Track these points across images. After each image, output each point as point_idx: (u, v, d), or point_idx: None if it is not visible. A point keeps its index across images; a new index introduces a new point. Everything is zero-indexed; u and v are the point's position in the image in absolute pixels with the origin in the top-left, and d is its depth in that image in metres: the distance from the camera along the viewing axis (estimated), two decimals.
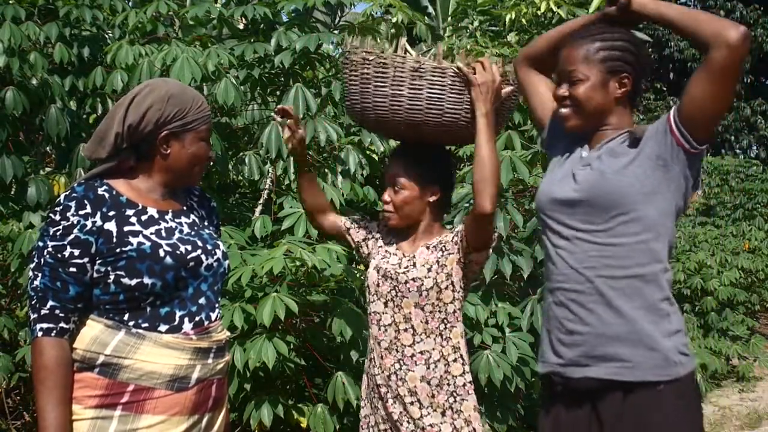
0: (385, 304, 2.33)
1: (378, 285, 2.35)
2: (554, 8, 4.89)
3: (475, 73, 2.20)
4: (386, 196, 2.37)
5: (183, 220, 1.97)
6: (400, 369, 2.29)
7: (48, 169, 4.08)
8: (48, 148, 4.19)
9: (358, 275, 3.22)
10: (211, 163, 1.99)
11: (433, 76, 2.20)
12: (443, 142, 2.42)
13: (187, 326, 1.89)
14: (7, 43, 3.60)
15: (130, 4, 4.48)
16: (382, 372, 2.33)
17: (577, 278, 1.98)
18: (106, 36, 4.32)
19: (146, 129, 1.88)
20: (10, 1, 3.90)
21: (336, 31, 4.89)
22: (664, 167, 1.93)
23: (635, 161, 1.96)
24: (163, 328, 1.86)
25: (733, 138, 17.21)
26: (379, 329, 2.34)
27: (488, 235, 2.27)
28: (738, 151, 17.25)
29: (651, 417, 1.91)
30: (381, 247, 2.44)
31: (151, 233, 1.87)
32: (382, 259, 2.39)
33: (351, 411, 3.32)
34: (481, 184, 2.16)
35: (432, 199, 2.35)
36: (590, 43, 2.02)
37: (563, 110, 2.06)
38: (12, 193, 3.80)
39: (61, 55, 3.82)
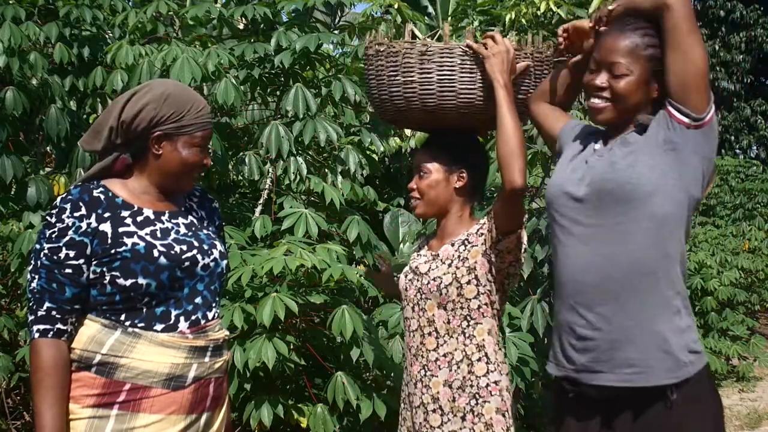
0: (412, 309, 2.27)
1: (406, 289, 2.31)
2: (554, 8, 4.88)
3: (486, 48, 2.14)
4: (412, 184, 2.31)
5: (180, 220, 1.97)
6: (425, 375, 2.22)
7: (48, 169, 4.08)
8: (48, 148, 4.18)
9: (358, 275, 3.22)
10: (206, 169, 1.98)
11: (441, 57, 2.15)
12: (466, 127, 2.32)
13: (183, 325, 1.89)
14: (7, 43, 3.59)
15: (130, 4, 4.48)
16: (411, 380, 2.27)
17: (586, 280, 1.92)
18: (106, 36, 4.31)
19: (140, 126, 1.88)
20: (10, 1, 3.90)
21: (336, 31, 4.89)
22: (674, 151, 1.86)
23: (644, 149, 1.89)
24: (159, 327, 1.86)
25: (733, 138, 17.22)
26: (409, 335, 2.29)
27: (519, 215, 2.16)
28: (738, 151, 17.26)
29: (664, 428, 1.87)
30: (415, 252, 2.41)
31: (146, 234, 1.87)
32: (411, 263, 2.36)
33: (351, 411, 3.32)
34: (509, 158, 2.06)
35: (458, 184, 2.27)
36: (639, 37, 1.90)
37: (596, 101, 1.94)
38: (12, 193, 3.80)
39: (61, 55, 3.82)
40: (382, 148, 4.05)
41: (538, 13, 4.91)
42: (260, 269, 3.03)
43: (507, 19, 4.98)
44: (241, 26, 4.56)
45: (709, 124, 1.87)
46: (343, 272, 3.12)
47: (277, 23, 4.29)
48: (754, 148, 17.52)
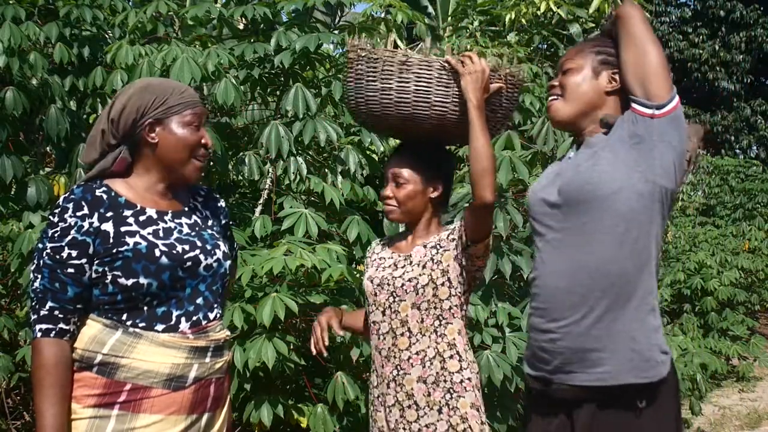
0: (383, 313, 2.32)
1: (375, 294, 2.34)
2: (554, 8, 4.89)
3: (464, 66, 2.21)
4: (388, 191, 2.36)
5: (183, 220, 1.97)
6: (398, 375, 2.28)
7: (48, 169, 4.08)
8: (48, 148, 4.18)
9: (357, 276, 3.22)
10: (210, 160, 1.99)
11: (420, 69, 2.22)
12: (438, 139, 2.39)
13: (184, 325, 1.89)
14: (7, 43, 3.59)
15: (130, 4, 4.47)
16: (383, 381, 2.31)
17: (557, 284, 1.95)
18: (106, 36, 4.31)
19: (129, 120, 1.89)
20: (10, 1, 3.90)
21: (336, 31, 4.89)
22: (640, 144, 1.89)
23: (606, 147, 1.93)
24: (159, 327, 1.87)
25: (733, 138, 17.22)
26: (379, 338, 2.33)
27: (488, 226, 2.25)
28: (738, 151, 17.26)
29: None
30: (375, 258, 2.43)
31: (148, 233, 1.88)
32: (376, 269, 2.38)
33: (351, 411, 3.32)
34: (481, 175, 2.13)
35: (434, 195, 2.34)
36: (585, 42, 2.10)
37: (551, 99, 2.07)
38: (12, 193, 3.79)
39: (61, 55, 3.82)
40: (382, 148, 4.05)
41: (538, 13, 4.92)
42: (260, 269, 3.03)
43: (507, 19, 4.99)
44: (241, 26, 4.56)
45: (673, 111, 1.91)
46: (343, 272, 3.12)
47: (277, 23, 4.29)
48: (754, 148, 17.52)
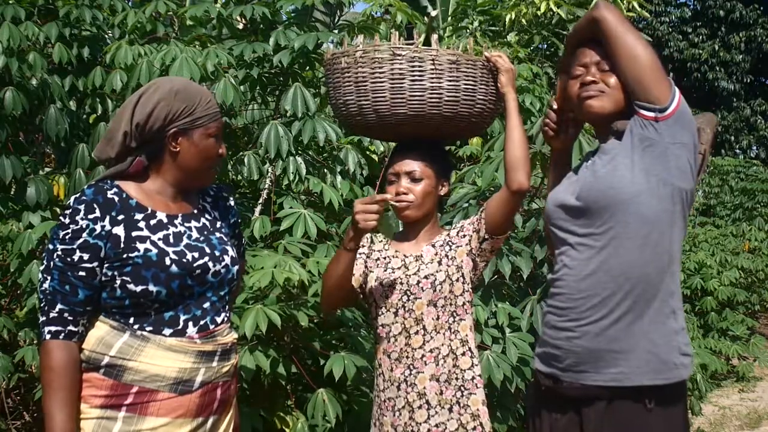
0: (395, 313, 2.29)
1: (386, 296, 2.31)
2: (554, 8, 4.89)
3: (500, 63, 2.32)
4: (404, 187, 2.31)
5: (193, 224, 1.95)
6: (410, 374, 2.26)
7: (48, 169, 4.07)
8: (48, 148, 4.18)
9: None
10: (222, 163, 1.96)
11: (467, 68, 2.28)
12: (444, 136, 2.43)
13: (192, 330, 1.89)
14: (7, 44, 3.59)
15: (130, 4, 4.47)
16: (392, 385, 2.28)
17: (580, 286, 1.95)
18: (106, 36, 4.31)
19: (155, 126, 1.87)
20: (10, 1, 3.89)
21: (335, 31, 4.88)
22: (652, 147, 1.90)
23: (622, 152, 1.94)
24: (167, 331, 1.86)
25: (733, 138, 17.23)
26: (389, 341, 2.30)
27: (512, 218, 2.33)
28: (738, 151, 17.27)
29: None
30: (378, 259, 2.39)
31: (159, 239, 1.86)
32: (384, 270, 2.34)
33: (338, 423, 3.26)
34: (518, 162, 2.24)
35: (443, 192, 2.39)
36: (593, 48, 2.06)
37: (592, 91, 2.00)
38: (12, 193, 3.79)
39: (61, 55, 3.82)
40: (381, 148, 4.05)
41: (538, 13, 4.92)
42: (248, 280, 2.97)
43: (507, 19, 4.99)
44: (240, 26, 4.56)
45: (677, 110, 1.91)
46: None
47: (277, 23, 4.29)
48: (754, 148, 17.53)
